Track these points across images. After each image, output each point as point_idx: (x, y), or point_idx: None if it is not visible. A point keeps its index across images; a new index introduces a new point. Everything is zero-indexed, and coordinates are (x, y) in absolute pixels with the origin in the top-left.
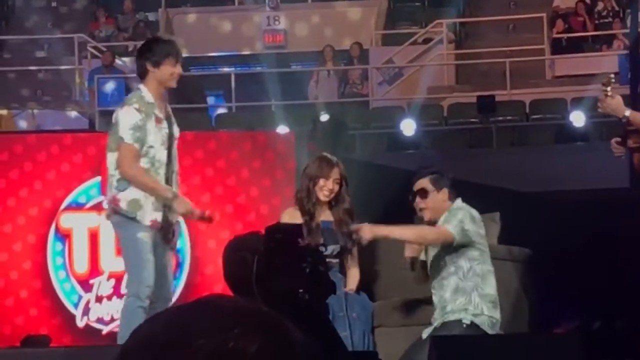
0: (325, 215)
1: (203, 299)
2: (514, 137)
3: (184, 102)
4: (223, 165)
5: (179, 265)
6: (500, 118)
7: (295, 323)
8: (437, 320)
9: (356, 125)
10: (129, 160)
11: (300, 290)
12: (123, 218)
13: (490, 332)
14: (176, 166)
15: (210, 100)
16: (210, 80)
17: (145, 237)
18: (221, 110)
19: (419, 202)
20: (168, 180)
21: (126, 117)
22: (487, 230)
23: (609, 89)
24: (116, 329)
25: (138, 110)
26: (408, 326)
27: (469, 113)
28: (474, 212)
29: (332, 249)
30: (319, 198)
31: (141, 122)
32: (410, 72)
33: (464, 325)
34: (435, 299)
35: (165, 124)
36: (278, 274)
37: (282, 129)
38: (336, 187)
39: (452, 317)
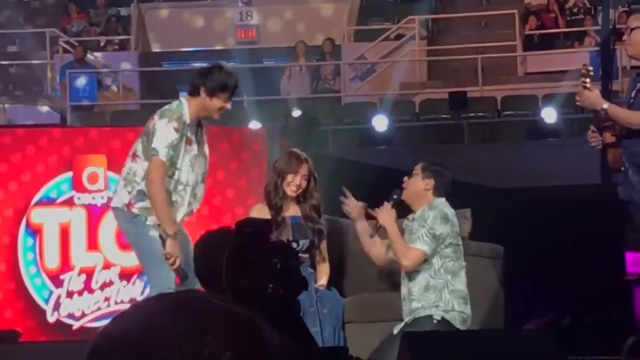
0: (293, 210)
1: (177, 298)
2: (485, 133)
3: (157, 97)
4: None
5: None
6: (472, 114)
7: (265, 319)
8: (406, 315)
9: (328, 121)
10: (159, 177)
11: (270, 286)
12: (132, 218)
13: (461, 328)
14: (200, 190)
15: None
16: (183, 76)
17: (155, 234)
18: None
19: (404, 180)
20: (190, 204)
21: (165, 134)
22: (459, 226)
23: (587, 80)
24: (87, 324)
25: (176, 130)
26: (379, 322)
27: (440, 109)
28: (448, 210)
29: (301, 243)
30: (286, 193)
31: (176, 142)
32: (382, 68)
33: (435, 321)
34: (404, 290)
35: (194, 147)
36: (248, 269)
37: (255, 125)
38: (304, 183)
39: (422, 313)
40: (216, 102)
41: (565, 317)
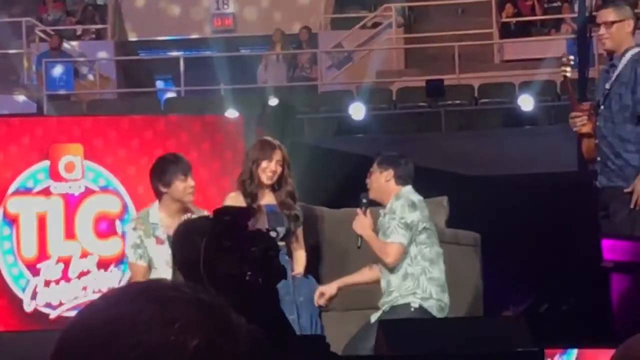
0: (268, 199)
1: (144, 286)
2: (462, 121)
3: (133, 85)
4: (173, 146)
5: None
6: (449, 102)
7: (243, 307)
8: (385, 304)
9: (305, 109)
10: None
11: (249, 274)
12: None
13: (438, 315)
14: None
15: (159, 84)
16: (159, 65)
17: None
18: (170, 94)
19: (367, 182)
20: None
21: (127, 237)
22: (435, 214)
23: (568, 69)
24: (64, 314)
25: (134, 229)
26: (356, 310)
27: (417, 97)
28: (414, 197)
29: (278, 231)
30: (261, 180)
31: (139, 241)
32: (359, 56)
33: (412, 309)
34: (383, 283)
35: (167, 245)
36: (226, 257)
37: (231, 113)
38: (279, 169)
39: (400, 301)
40: (177, 187)
41: (542, 304)
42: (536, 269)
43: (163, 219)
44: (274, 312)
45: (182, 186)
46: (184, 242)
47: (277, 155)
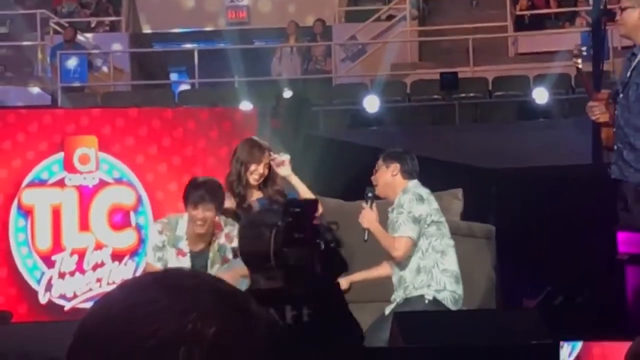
0: (256, 196)
1: (162, 275)
2: (476, 114)
3: (147, 78)
4: (180, 135)
5: (142, 241)
6: (463, 95)
7: (312, 298)
8: (398, 297)
9: (319, 101)
10: None
11: (319, 266)
12: None
13: (453, 308)
14: None
15: (173, 76)
16: (173, 57)
17: None
18: (184, 87)
19: (372, 179)
20: None
21: (150, 236)
22: (450, 207)
23: (579, 61)
24: (79, 305)
25: (160, 232)
26: (370, 302)
27: (431, 90)
28: (422, 191)
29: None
30: (249, 182)
31: (161, 244)
32: (373, 49)
33: (426, 301)
34: (394, 279)
35: (188, 258)
36: (296, 249)
37: (245, 106)
38: (266, 171)
39: (414, 293)
40: (189, 213)
41: (557, 297)
42: (551, 261)
43: (189, 234)
44: (339, 305)
45: (192, 214)
46: (252, 234)
47: (266, 158)
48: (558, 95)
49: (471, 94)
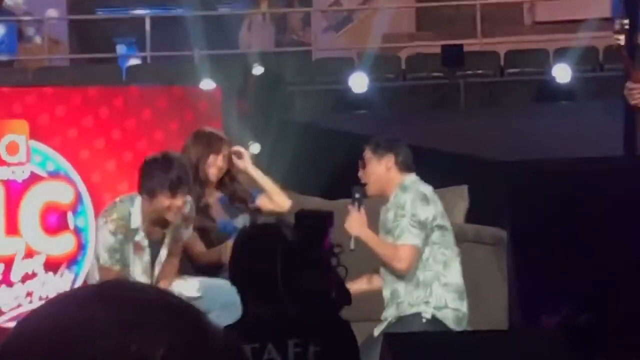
0: (214, 196)
1: (100, 287)
2: (485, 95)
3: (89, 51)
4: (133, 126)
5: (82, 247)
6: (469, 72)
7: (324, 326)
8: (390, 315)
9: (296, 80)
10: None
11: (334, 290)
12: None
13: (455, 328)
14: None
15: (120, 49)
16: (121, 25)
17: None
18: (133, 61)
19: (360, 175)
20: None
21: (101, 238)
22: (453, 207)
23: (621, 37)
24: (5, 324)
25: (114, 233)
26: (354, 322)
27: (431, 66)
28: (425, 189)
29: (242, 219)
30: (208, 177)
31: (117, 246)
32: (361, 17)
33: (424, 320)
34: (386, 293)
35: (147, 252)
36: (311, 269)
37: (207, 84)
38: (225, 166)
39: (409, 311)
40: (159, 202)
41: (584, 313)
42: (575, 271)
43: (145, 224)
44: (351, 341)
45: (167, 203)
46: (252, 250)
47: (225, 149)
48: (583, 72)
49: (479, 72)
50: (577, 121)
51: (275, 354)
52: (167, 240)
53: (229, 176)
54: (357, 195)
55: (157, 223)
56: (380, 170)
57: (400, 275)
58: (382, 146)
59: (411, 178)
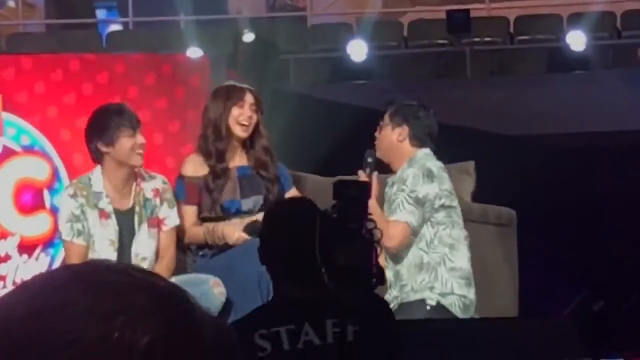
0: (238, 160)
1: (82, 268)
2: (493, 64)
3: (67, 16)
4: (105, 81)
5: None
6: (477, 39)
7: (358, 312)
8: (393, 300)
9: (290, 47)
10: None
11: (375, 265)
12: None
13: (462, 315)
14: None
15: (101, 13)
16: None
17: None
18: (114, 27)
19: (376, 135)
20: None
21: (62, 206)
22: (459, 185)
23: None
24: None
25: (73, 195)
26: None
27: (435, 33)
28: (432, 164)
29: (253, 201)
30: (234, 133)
31: (78, 211)
32: None
33: (428, 307)
34: (389, 274)
35: (114, 220)
36: (350, 242)
37: (194, 52)
38: (254, 116)
39: (412, 297)
40: (123, 145)
41: (597, 301)
42: (588, 256)
43: (108, 189)
44: (391, 321)
45: (130, 144)
46: (287, 225)
47: (250, 98)
48: (599, 40)
49: (487, 39)
50: (592, 92)
51: (313, 335)
52: (137, 210)
53: (254, 135)
54: (369, 160)
55: (125, 181)
56: (392, 139)
57: (393, 255)
58: (399, 114)
59: (422, 152)
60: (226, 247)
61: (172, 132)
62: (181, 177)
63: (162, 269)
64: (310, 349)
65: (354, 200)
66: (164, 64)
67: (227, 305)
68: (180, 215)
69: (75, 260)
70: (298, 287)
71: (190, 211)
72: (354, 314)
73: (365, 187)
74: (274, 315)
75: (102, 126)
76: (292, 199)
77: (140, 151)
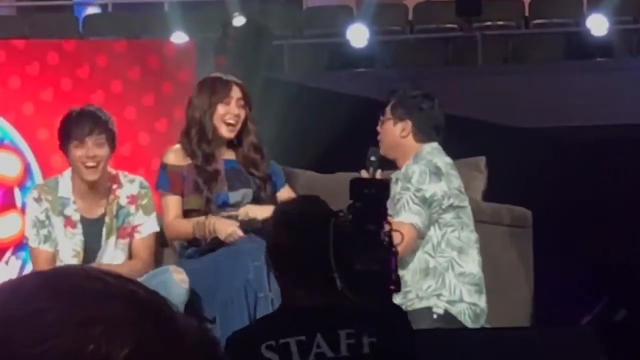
0: (225, 154)
1: (54, 274)
2: (507, 50)
3: None
4: (86, 75)
5: None
6: (489, 23)
7: (375, 321)
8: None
9: (285, 32)
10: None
11: (394, 271)
12: None
13: (472, 324)
14: None
15: None
16: None
17: None
18: (92, 11)
19: (378, 129)
20: None
21: (27, 210)
22: (468, 182)
23: None
24: None
25: (37, 199)
26: None
27: (444, 16)
28: (440, 161)
29: (242, 194)
30: (220, 134)
31: (43, 216)
32: None
33: (435, 316)
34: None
35: (79, 229)
36: (368, 246)
37: (179, 37)
38: (242, 112)
39: (418, 305)
40: (72, 156)
41: (618, 309)
42: (609, 259)
43: (76, 196)
44: (409, 332)
45: (78, 154)
46: (297, 227)
47: (236, 92)
48: (622, 24)
49: (500, 22)
50: (614, 81)
51: (326, 347)
52: (107, 220)
53: (245, 131)
54: (372, 158)
55: (90, 191)
56: (394, 134)
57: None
58: (402, 106)
59: (429, 147)
60: (215, 243)
61: (159, 131)
62: (163, 166)
63: (124, 268)
64: None
65: (373, 201)
66: (149, 54)
67: (192, 296)
68: (166, 207)
69: (43, 267)
70: (309, 294)
71: (174, 201)
72: (370, 324)
73: (385, 186)
74: (282, 324)
75: (61, 133)
76: (303, 198)
77: (90, 163)
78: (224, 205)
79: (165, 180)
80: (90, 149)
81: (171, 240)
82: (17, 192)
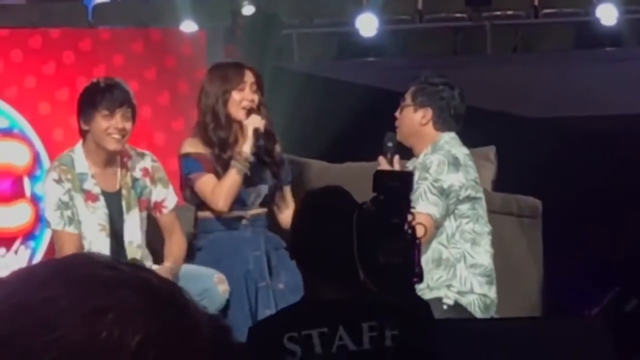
0: (241, 145)
1: (65, 263)
2: (516, 39)
3: None
4: (102, 73)
5: (41, 218)
6: (498, 13)
7: (398, 315)
8: None
9: (294, 21)
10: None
11: (418, 265)
12: None
13: (482, 315)
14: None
15: None
16: None
17: None
18: None
19: (396, 115)
20: None
21: (48, 193)
22: (478, 172)
23: None
24: None
25: (58, 180)
26: None
27: (453, 5)
28: (458, 151)
29: (258, 191)
30: (235, 119)
31: (66, 197)
32: None
33: (446, 307)
34: None
35: (102, 202)
36: (392, 239)
37: (189, 26)
38: (256, 97)
39: (429, 295)
40: (96, 126)
41: (629, 299)
42: (620, 250)
43: (93, 169)
44: (432, 326)
45: (104, 125)
46: (319, 219)
47: (250, 77)
48: (633, 13)
49: (509, 12)
50: (624, 71)
51: (348, 340)
52: (124, 193)
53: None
54: (389, 144)
55: (107, 161)
56: (414, 121)
57: None
58: (424, 93)
59: (447, 137)
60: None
61: (161, 105)
62: (186, 154)
63: (174, 247)
64: (345, 354)
65: (396, 193)
66: (153, 33)
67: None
68: (206, 184)
69: (69, 251)
70: (332, 287)
71: (211, 178)
72: (392, 316)
73: (409, 178)
74: (305, 316)
75: (84, 102)
76: (328, 189)
77: (116, 135)
78: (242, 204)
79: (194, 163)
80: (119, 122)
81: (225, 207)
82: (26, 181)
